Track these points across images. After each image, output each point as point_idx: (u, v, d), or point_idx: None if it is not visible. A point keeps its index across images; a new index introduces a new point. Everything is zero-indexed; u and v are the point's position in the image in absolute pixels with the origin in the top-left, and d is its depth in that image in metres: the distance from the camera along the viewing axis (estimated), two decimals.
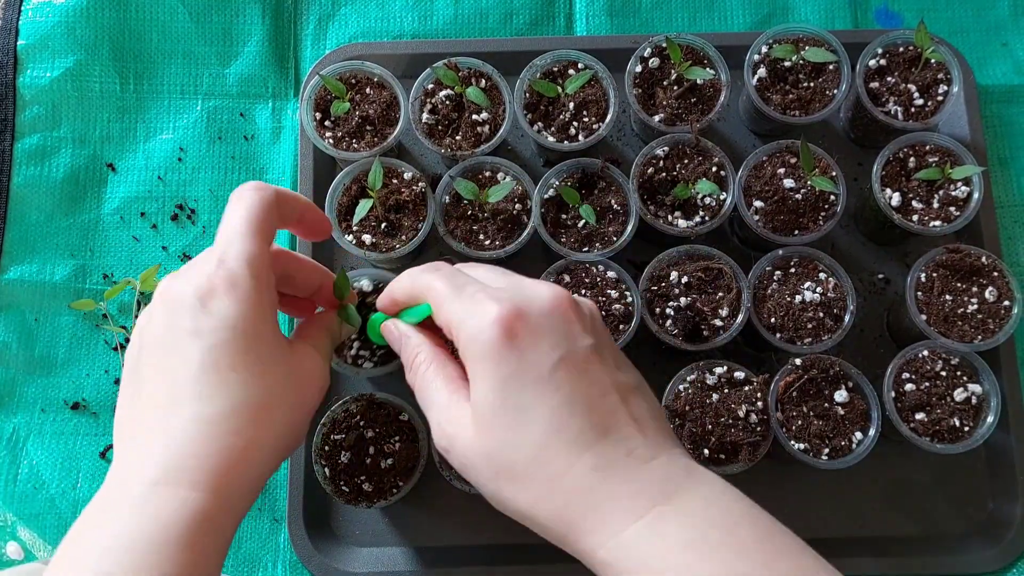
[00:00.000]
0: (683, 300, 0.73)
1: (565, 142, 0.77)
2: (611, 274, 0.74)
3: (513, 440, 0.47)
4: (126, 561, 0.44)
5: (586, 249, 0.75)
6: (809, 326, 0.73)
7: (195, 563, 0.45)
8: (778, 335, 0.73)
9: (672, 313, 0.73)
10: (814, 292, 0.74)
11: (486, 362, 0.48)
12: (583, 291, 0.73)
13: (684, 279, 0.74)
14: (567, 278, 0.74)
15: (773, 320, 0.74)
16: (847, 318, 0.73)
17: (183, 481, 0.46)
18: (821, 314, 0.73)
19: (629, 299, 0.74)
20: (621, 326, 0.73)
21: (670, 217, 0.76)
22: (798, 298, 0.74)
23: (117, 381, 0.80)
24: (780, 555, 0.45)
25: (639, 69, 0.79)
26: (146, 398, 0.50)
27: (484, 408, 0.48)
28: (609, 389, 0.49)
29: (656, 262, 0.74)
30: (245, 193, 0.53)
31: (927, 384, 0.72)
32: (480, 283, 0.52)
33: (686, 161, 0.77)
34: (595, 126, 0.78)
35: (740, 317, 0.72)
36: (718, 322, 0.73)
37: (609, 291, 0.74)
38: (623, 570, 0.45)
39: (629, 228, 0.75)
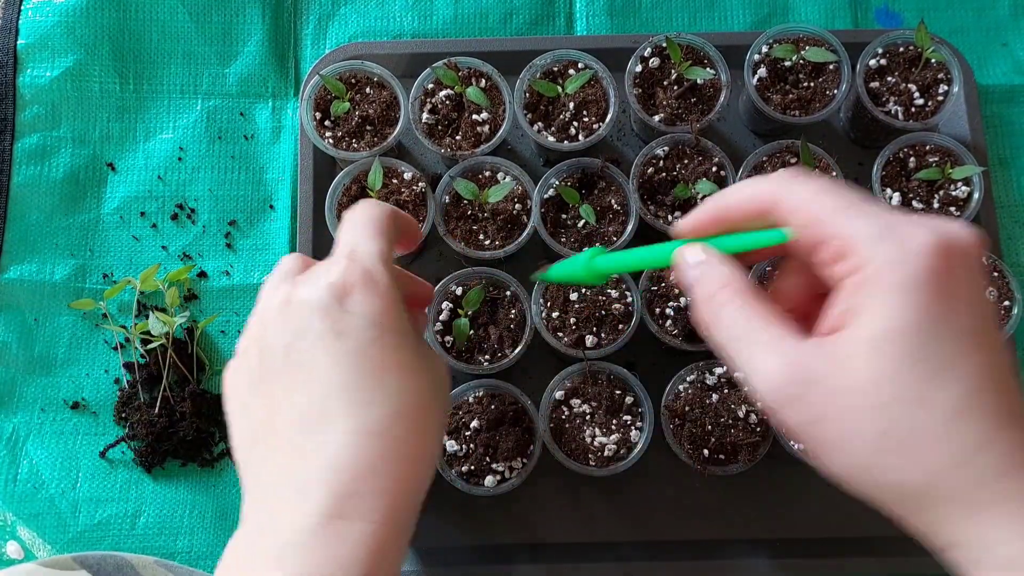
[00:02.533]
0: (683, 300, 0.73)
1: (565, 142, 0.77)
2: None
3: (926, 397, 0.39)
4: None
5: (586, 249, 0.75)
6: None
7: None
8: None
9: (672, 313, 0.73)
10: None
11: (910, 294, 0.39)
12: (583, 290, 0.73)
13: None
14: None
15: None
16: None
17: (357, 512, 0.41)
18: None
19: (629, 299, 0.74)
20: (620, 326, 0.73)
21: (670, 217, 0.76)
22: None
23: (117, 381, 0.80)
24: None
25: (639, 69, 0.79)
26: (287, 413, 0.44)
27: (891, 351, 0.39)
28: (1011, 362, 0.41)
29: None
30: (363, 206, 0.51)
31: None
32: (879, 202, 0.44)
33: (686, 161, 0.77)
34: (595, 126, 0.78)
35: None
36: None
37: (609, 291, 0.74)
38: None
39: (629, 228, 0.75)
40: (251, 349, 0.47)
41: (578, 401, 0.71)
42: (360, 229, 0.48)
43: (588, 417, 0.71)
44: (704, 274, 0.45)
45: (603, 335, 0.73)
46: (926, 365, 0.39)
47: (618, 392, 0.71)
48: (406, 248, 0.56)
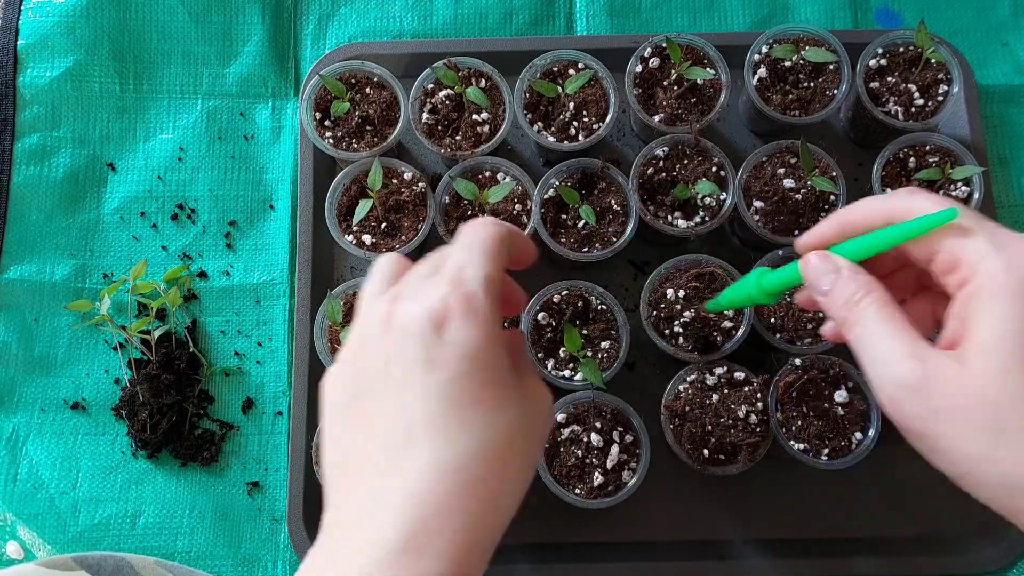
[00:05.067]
0: (687, 315, 0.73)
1: (565, 142, 0.77)
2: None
3: None
4: None
5: (586, 250, 0.75)
6: (809, 326, 0.73)
7: None
8: (778, 335, 0.73)
9: (681, 330, 0.73)
10: None
11: (1014, 300, 0.44)
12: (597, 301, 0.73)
13: (681, 292, 0.74)
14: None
15: (773, 320, 0.74)
16: None
17: (427, 549, 0.40)
18: (821, 314, 0.73)
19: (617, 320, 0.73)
20: (615, 333, 0.73)
21: (670, 218, 0.76)
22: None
23: (117, 381, 0.80)
24: None
25: (639, 69, 0.79)
26: (377, 436, 0.44)
27: (1001, 351, 0.43)
28: None
29: (648, 284, 0.74)
30: (481, 223, 0.49)
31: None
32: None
33: (686, 161, 0.77)
34: (595, 126, 0.78)
35: (744, 317, 0.72)
36: (727, 323, 0.73)
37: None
38: None
39: (629, 229, 0.75)
40: (349, 363, 0.47)
41: (578, 428, 0.71)
42: (471, 252, 0.47)
43: (585, 446, 0.71)
44: (840, 279, 0.49)
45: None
46: None
47: (619, 430, 0.71)
48: (519, 266, 0.53)
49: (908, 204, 0.48)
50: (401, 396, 0.44)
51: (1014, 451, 0.42)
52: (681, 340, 0.73)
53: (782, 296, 0.56)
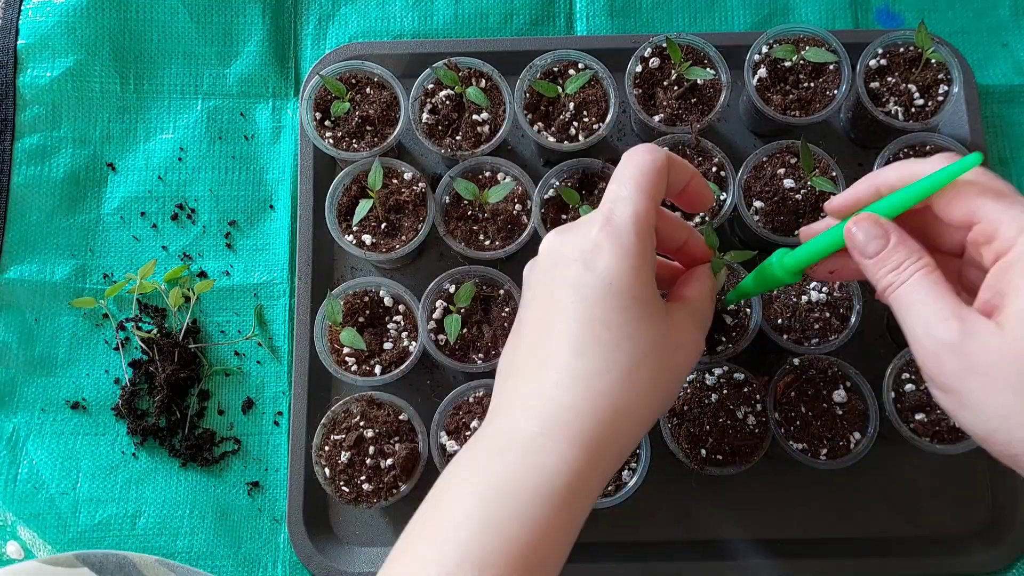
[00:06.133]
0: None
1: (565, 142, 0.77)
2: None
3: None
4: (510, 506, 0.45)
5: None
6: (816, 327, 0.73)
7: (570, 522, 0.47)
8: (785, 336, 0.73)
9: None
10: (820, 292, 0.74)
11: None
12: None
13: None
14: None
15: (780, 321, 0.74)
16: (853, 318, 0.73)
17: (558, 435, 0.47)
18: (828, 314, 0.73)
19: None
20: None
21: None
22: (804, 298, 0.74)
23: (117, 381, 0.80)
24: None
25: (639, 69, 0.79)
26: (525, 347, 0.52)
27: None
28: None
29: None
30: (637, 154, 0.54)
31: (927, 385, 0.72)
32: None
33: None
34: (595, 126, 0.78)
35: (752, 311, 0.72)
36: (728, 319, 0.73)
37: None
38: None
39: None
40: (525, 287, 0.56)
41: None
42: (625, 184, 0.52)
43: None
44: (892, 245, 0.50)
45: None
46: None
47: None
48: (689, 207, 0.60)
49: (940, 164, 0.49)
50: (548, 314, 0.51)
51: None
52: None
53: (803, 274, 0.57)
